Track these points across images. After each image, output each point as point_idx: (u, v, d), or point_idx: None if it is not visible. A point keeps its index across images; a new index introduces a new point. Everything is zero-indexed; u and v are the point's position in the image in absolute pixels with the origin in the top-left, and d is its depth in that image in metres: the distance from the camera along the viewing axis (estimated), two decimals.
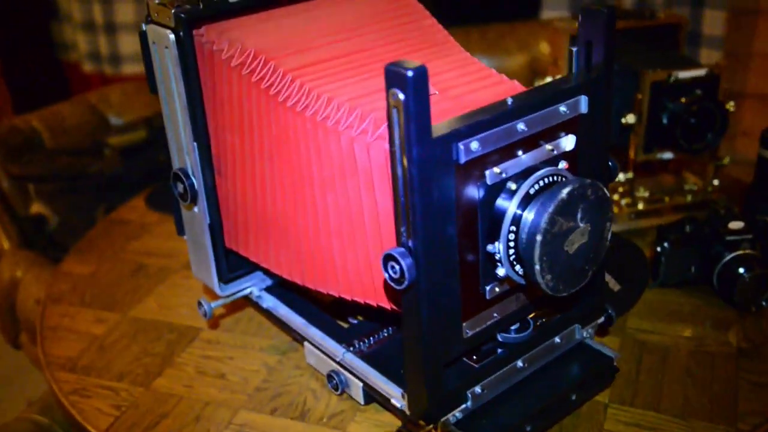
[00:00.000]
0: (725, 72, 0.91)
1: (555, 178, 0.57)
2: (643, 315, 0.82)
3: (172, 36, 0.66)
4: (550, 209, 0.53)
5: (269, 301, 0.80)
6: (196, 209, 0.74)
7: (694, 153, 0.91)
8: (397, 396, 0.65)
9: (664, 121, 0.91)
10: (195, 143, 0.70)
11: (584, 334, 0.69)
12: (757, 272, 0.80)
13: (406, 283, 0.53)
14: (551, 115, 0.58)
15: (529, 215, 0.54)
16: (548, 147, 0.59)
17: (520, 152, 0.57)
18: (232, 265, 0.77)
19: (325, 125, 0.60)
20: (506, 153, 0.56)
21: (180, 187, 0.72)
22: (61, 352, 0.83)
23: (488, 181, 0.55)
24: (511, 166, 0.56)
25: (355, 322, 0.77)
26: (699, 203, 0.98)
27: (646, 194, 0.98)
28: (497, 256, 0.56)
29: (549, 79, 1.04)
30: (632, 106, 0.92)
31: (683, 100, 0.90)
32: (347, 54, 0.67)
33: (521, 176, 0.56)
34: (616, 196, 0.97)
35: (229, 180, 0.72)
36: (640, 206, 0.97)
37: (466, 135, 0.53)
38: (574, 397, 0.66)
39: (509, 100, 0.56)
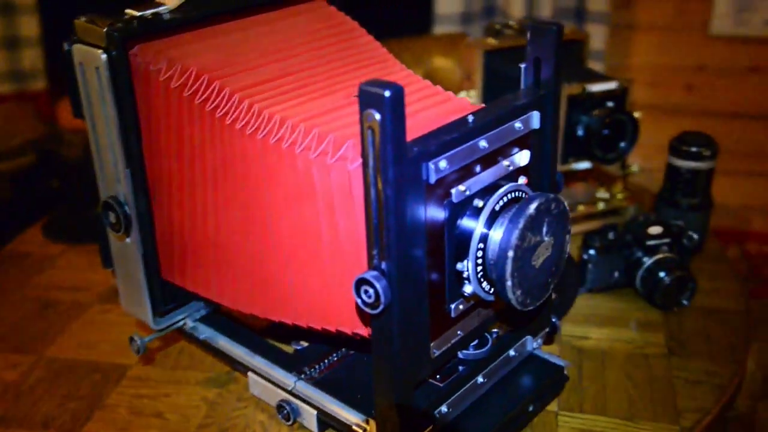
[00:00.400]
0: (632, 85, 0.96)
1: (517, 193, 0.57)
2: (576, 321, 0.85)
3: (104, 56, 0.62)
4: (521, 225, 0.54)
5: (206, 332, 0.76)
6: (128, 239, 0.69)
7: (609, 162, 0.95)
8: (358, 422, 0.63)
9: (579, 132, 0.94)
10: (128, 170, 0.66)
11: (534, 345, 0.70)
12: (677, 274, 0.84)
13: (381, 306, 0.52)
14: (508, 131, 0.59)
15: (497, 232, 0.55)
16: (505, 163, 0.59)
17: (479, 169, 0.57)
18: (167, 296, 0.73)
19: (280, 148, 0.58)
20: (468, 171, 0.56)
21: (112, 217, 0.68)
22: None
23: (454, 200, 0.55)
24: (473, 184, 0.56)
25: (299, 347, 0.74)
26: (610, 211, 1.02)
27: None
28: (465, 274, 0.56)
29: (463, 94, 1.06)
30: None
31: (596, 112, 0.93)
32: (292, 73, 0.65)
33: (485, 193, 0.56)
34: None
35: (166, 207, 0.68)
36: None
37: (435, 154, 0.53)
38: (531, 408, 0.67)
39: (470, 118, 0.57)
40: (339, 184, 0.56)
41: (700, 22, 1.77)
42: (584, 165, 0.97)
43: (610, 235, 0.87)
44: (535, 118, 0.61)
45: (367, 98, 0.48)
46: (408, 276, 0.53)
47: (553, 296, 0.81)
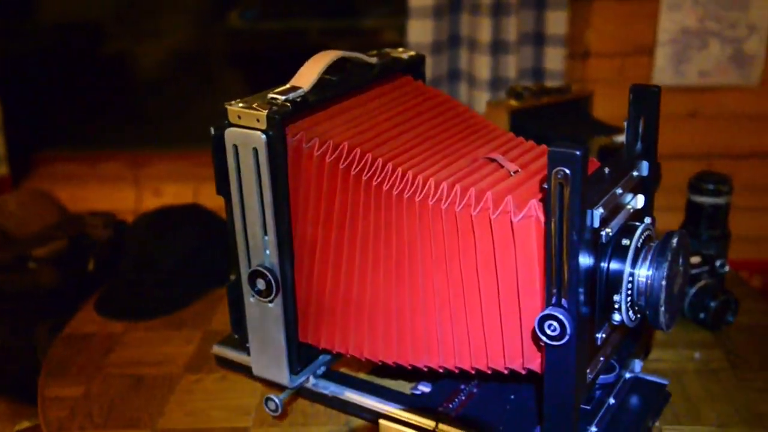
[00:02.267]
0: None
1: (648, 232, 0.67)
2: None
3: (263, 137, 0.68)
4: (669, 258, 0.63)
5: (329, 387, 0.81)
6: (271, 305, 0.74)
7: None
8: None
9: None
10: (279, 239, 0.71)
11: (638, 368, 0.79)
12: (721, 298, 0.95)
13: (566, 338, 0.59)
14: (630, 179, 0.68)
15: (645, 265, 0.64)
16: (629, 206, 0.68)
17: (617, 212, 0.66)
18: (301, 358, 0.78)
19: (438, 207, 0.66)
20: (610, 214, 0.65)
21: (261, 284, 0.72)
22: None
23: (603, 240, 0.64)
24: (615, 226, 0.65)
25: (419, 391, 0.80)
26: None
27: None
28: (617, 305, 0.65)
29: None
30: None
31: None
32: (420, 143, 0.73)
33: (626, 233, 0.65)
34: None
35: (307, 273, 0.74)
36: None
37: (596, 202, 0.62)
38: (651, 424, 0.75)
39: (606, 170, 0.66)
40: (501, 237, 0.64)
41: (642, 76, 1.96)
42: None
43: None
44: (644, 167, 0.71)
45: (558, 157, 0.56)
46: (579, 310, 0.61)
47: None
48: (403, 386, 0.82)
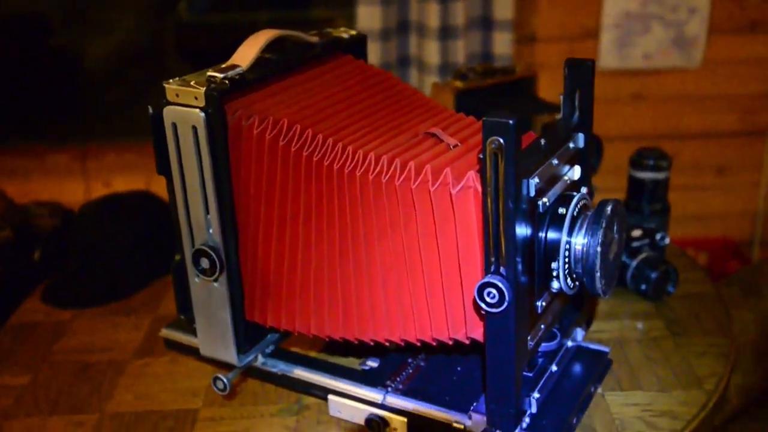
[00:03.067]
0: None
1: (584, 201, 0.68)
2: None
3: (202, 115, 0.68)
4: (604, 225, 0.64)
5: (278, 365, 0.81)
6: (216, 284, 0.74)
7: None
8: (458, 419, 0.71)
9: None
10: (221, 218, 0.71)
11: (580, 336, 0.81)
12: (661, 269, 0.98)
13: (505, 304, 0.61)
14: (566, 150, 0.70)
15: (581, 233, 0.65)
16: (566, 177, 0.70)
17: (552, 183, 0.68)
18: (248, 336, 0.78)
19: (379, 181, 0.67)
20: (547, 185, 0.67)
21: (204, 263, 0.73)
22: None
23: (540, 210, 0.65)
24: (551, 196, 0.67)
25: (368, 367, 0.81)
26: None
27: None
28: (555, 273, 0.66)
29: None
30: None
31: None
32: (361, 119, 0.74)
33: (563, 202, 0.67)
34: None
35: (253, 251, 0.74)
36: None
37: (531, 172, 0.63)
38: (593, 390, 0.77)
39: (542, 141, 0.67)
40: (441, 208, 0.65)
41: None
42: None
43: None
44: (581, 139, 0.73)
45: (491, 126, 0.57)
46: (517, 278, 0.63)
47: None
48: (353, 363, 0.83)
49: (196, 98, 0.68)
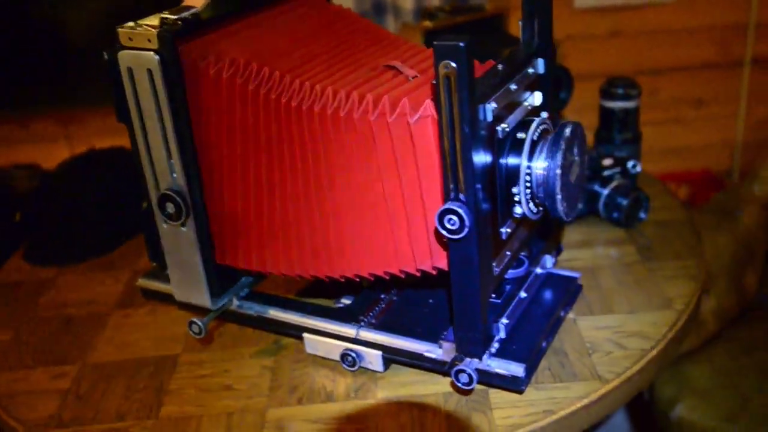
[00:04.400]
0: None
1: (545, 125, 0.69)
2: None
3: (156, 57, 0.67)
4: (563, 147, 0.65)
5: (254, 308, 0.82)
6: (184, 228, 0.75)
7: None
8: (429, 348, 0.72)
9: None
10: (183, 161, 0.72)
11: (550, 264, 0.82)
12: (633, 195, 0.99)
13: (465, 230, 0.61)
14: (526, 76, 0.70)
15: (541, 157, 0.66)
16: (526, 103, 0.70)
17: (512, 109, 0.68)
18: (221, 280, 0.79)
19: (337, 116, 0.67)
20: (506, 111, 0.67)
21: (170, 208, 0.73)
22: (37, 414, 0.78)
23: (500, 135, 0.65)
24: (511, 121, 0.67)
25: (342, 304, 0.82)
26: None
27: None
28: (517, 197, 0.67)
29: None
30: None
31: None
32: (320, 55, 0.73)
33: (523, 127, 0.67)
34: None
35: (219, 194, 0.74)
36: None
37: (488, 97, 0.63)
38: (562, 314, 0.79)
39: (500, 66, 0.67)
40: (400, 139, 0.65)
41: None
42: None
43: None
44: (540, 65, 0.73)
45: (442, 50, 0.57)
46: (478, 204, 0.63)
47: None
48: (329, 303, 0.84)
49: (149, 41, 0.68)
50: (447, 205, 0.62)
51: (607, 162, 1.01)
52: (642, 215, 1.00)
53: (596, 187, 1.00)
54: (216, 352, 0.85)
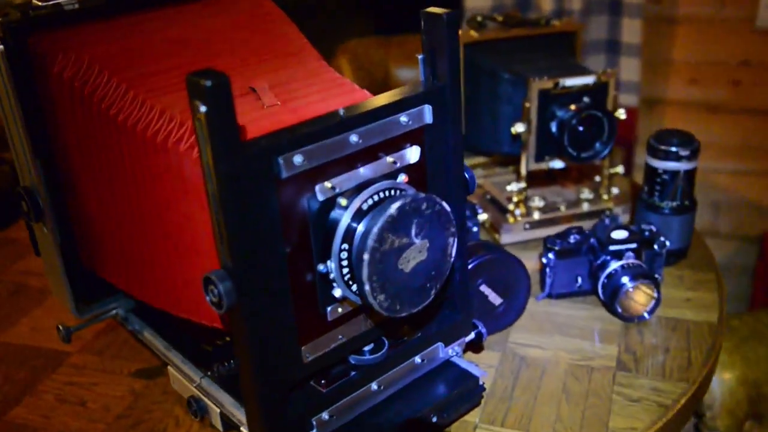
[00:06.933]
0: (615, 79, 0.90)
1: (391, 192, 0.54)
2: (529, 328, 0.80)
3: (1, 47, 0.62)
4: (379, 225, 0.50)
5: (135, 323, 0.76)
6: (45, 229, 0.70)
7: (582, 161, 0.89)
8: (245, 424, 0.61)
9: (553, 129, 0.89)
10: (36, 160, 0.66)
11: (450, 353, 0.66)
12: (639, 282, 0.78)
13: (225, 307, 0.50)
14: (391, 125, 0.56)
15: (359, 232, 0.52)
16: (389, 159, 0.56)
17: (358, 165, 0.54)
18: (95, 285, 0.73)
19: (155, 140, 0.57)
20: (341, 166, 0.53)
21: (24, 206, 0.68)
22: None
23: (319, 197, 0.52)
24: (345, 181, 0.53)
25: (216, 346, 0.73)
26: (595, 212, 0.96)
27: (541, 204, 0.96)
28: (331, 276, 0.53)
29: None
30: (522, 115, 0.90)
31: (572, 107, 0.88)
32: (185, 65, 0.63)
33: (355, 191, 0.53)
34: (511, 206, 0.95)
35: (78, 198, 0.68)
36: (536, 216, 0.94)
37: (288, 148, 0.50)
38: (435, 419, 0.63)
39: (341, 111, 0.54)
40: (176, 168, 0.54)
41: (745, 15, 1.65)
42: (558, 164, 0.92)
43: (572, 239, 0.82)
44: (427, 113, 0.57)
45: (193, 88, 0.46)
46: (261, 276, 0.51)
47: (497, 303, 0.77)
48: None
49: None
50: (209, 273, 0.50)
51: (618, 234, 0.81)
52: (645, 314, 0.79)
53: (602, 259, 0.81)
54: (106, 360, 0.80)
